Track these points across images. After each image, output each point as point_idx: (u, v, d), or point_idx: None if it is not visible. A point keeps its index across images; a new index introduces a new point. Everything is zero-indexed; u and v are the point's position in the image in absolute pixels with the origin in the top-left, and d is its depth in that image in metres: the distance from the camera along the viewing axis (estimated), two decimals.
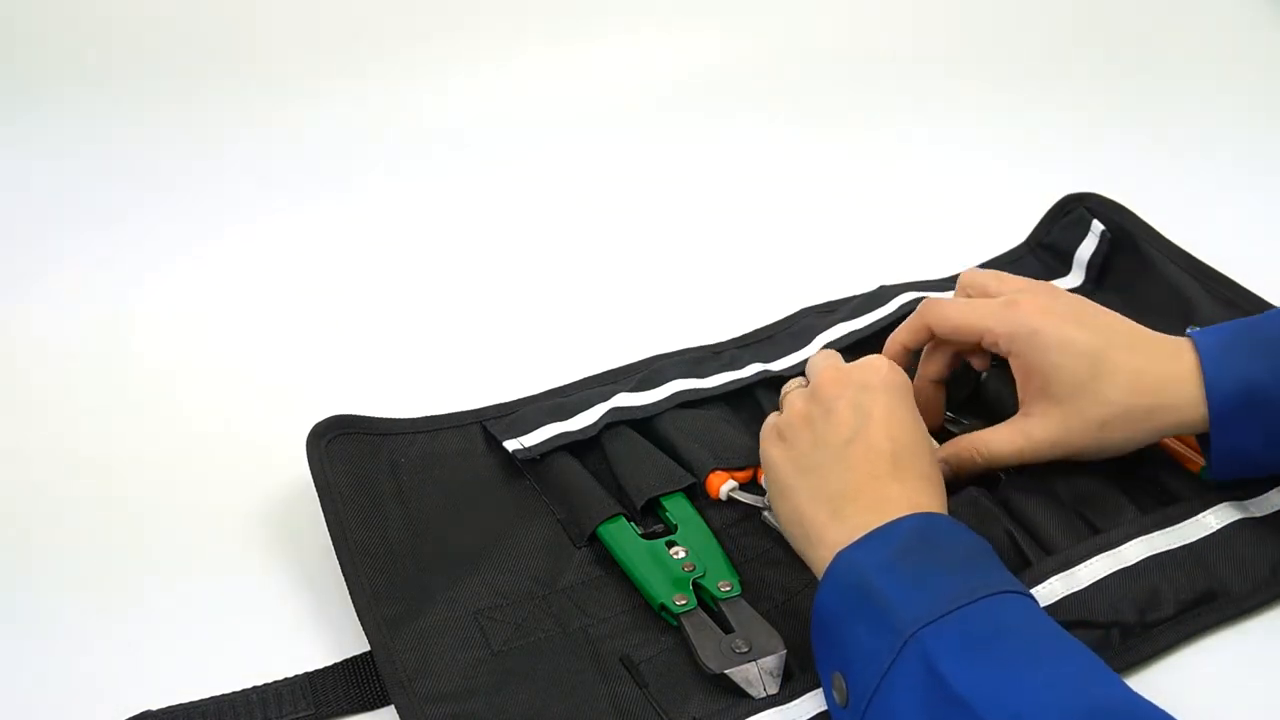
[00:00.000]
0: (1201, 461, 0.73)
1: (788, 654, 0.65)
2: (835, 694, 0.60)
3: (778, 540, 0.73)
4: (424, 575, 0.71)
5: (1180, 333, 0.83)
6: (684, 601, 0.68)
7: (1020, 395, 0.72)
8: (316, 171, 1.12)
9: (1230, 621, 0.68)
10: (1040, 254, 0.96)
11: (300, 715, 0.65)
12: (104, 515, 0.78)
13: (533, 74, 1.25)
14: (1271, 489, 0.72)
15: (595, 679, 0.66)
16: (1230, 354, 0.68)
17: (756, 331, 0.88)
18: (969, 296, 0.76)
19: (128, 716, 0.64)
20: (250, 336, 0.93)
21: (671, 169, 1.13)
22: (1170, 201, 0.98)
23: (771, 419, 0.72)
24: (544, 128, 1.19)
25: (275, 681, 0.66)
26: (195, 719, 0.64)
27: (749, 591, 0.70)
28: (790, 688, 0.64)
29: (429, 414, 0.81)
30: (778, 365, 0.84)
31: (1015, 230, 0.97)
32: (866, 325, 0.86)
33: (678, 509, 0.74)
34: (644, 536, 0.72)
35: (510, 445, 0.78)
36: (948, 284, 0.90)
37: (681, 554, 0.71)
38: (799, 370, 0.83)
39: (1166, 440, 0.75)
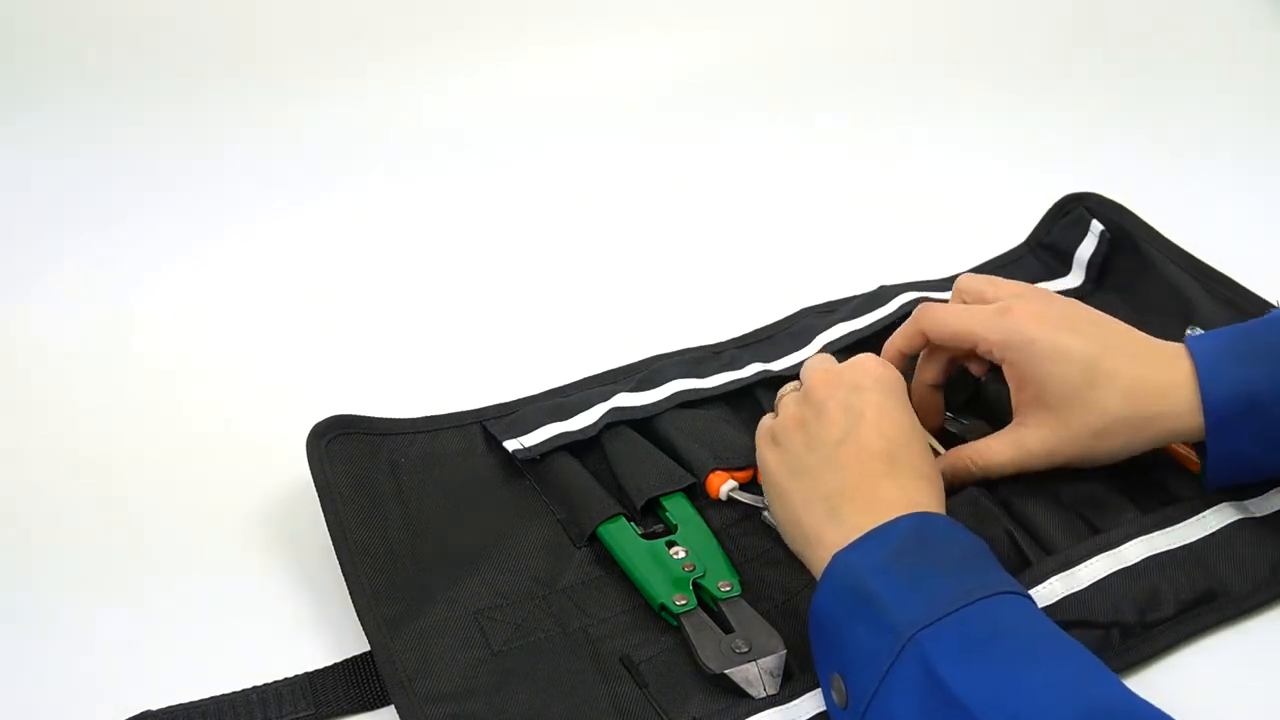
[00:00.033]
0: (1196, 459, 0.73)
1: (788, 654, 0.65)
2: (834, 695, 0.60)
3: (778, 540, 0.73)
4: (424, 575, 0.71)
5: (1180, 332, 0.83)
6: (684, 601, 0.68)
7: (1014, 403, 0.72)
8: (316, 171, 1.12)
9: (1230, 621, 0.68)
10: (1040, 254, 0.96)
11: (300, 715, 0.65)
12: (104, 515, 0.78)
13: (533, 74, 1.25)
14: (1272, 488, 0.72)
15: (595, 679, 0.66)
16: (1226, 361, 0.67)
17: (756, 331, 0.88)
18: (964, 302, 0.75)
19: (128, 717, 0.64)
20: (250, 336, 0.93)
21: (671, 169, 1.13)
22: (1170, 201, 0.98)
23: (766, 422, 0.72)
24: (544, 128, 1.19)
25: (275, 681, 0.66)
26: (195, 719, 0.64)
27: (749, 591, 0.70)
28: (790, 688, 0.64)
29: (429, 414, 0.81)
30: (778, 365, 0.84)
31: (1015, 230, 0.97)
32: (866, 325, 0.86)
33: (678, 509, 0.74)
34: (644, 536, 0.72)
35: (510, 445, 0.78)
36: (947, 284, 0.90)
37: (681, 554, 0.71)
38: (799, 371, 0.83)
39: None
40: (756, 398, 0.82)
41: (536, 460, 0.77)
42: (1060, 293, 0.88)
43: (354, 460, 0.76)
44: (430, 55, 1.25)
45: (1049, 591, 0.66)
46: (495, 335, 0.93)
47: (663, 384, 0.82)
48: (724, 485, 0.75)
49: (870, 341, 0.85)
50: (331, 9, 1.26)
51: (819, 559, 0.63)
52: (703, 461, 0.77)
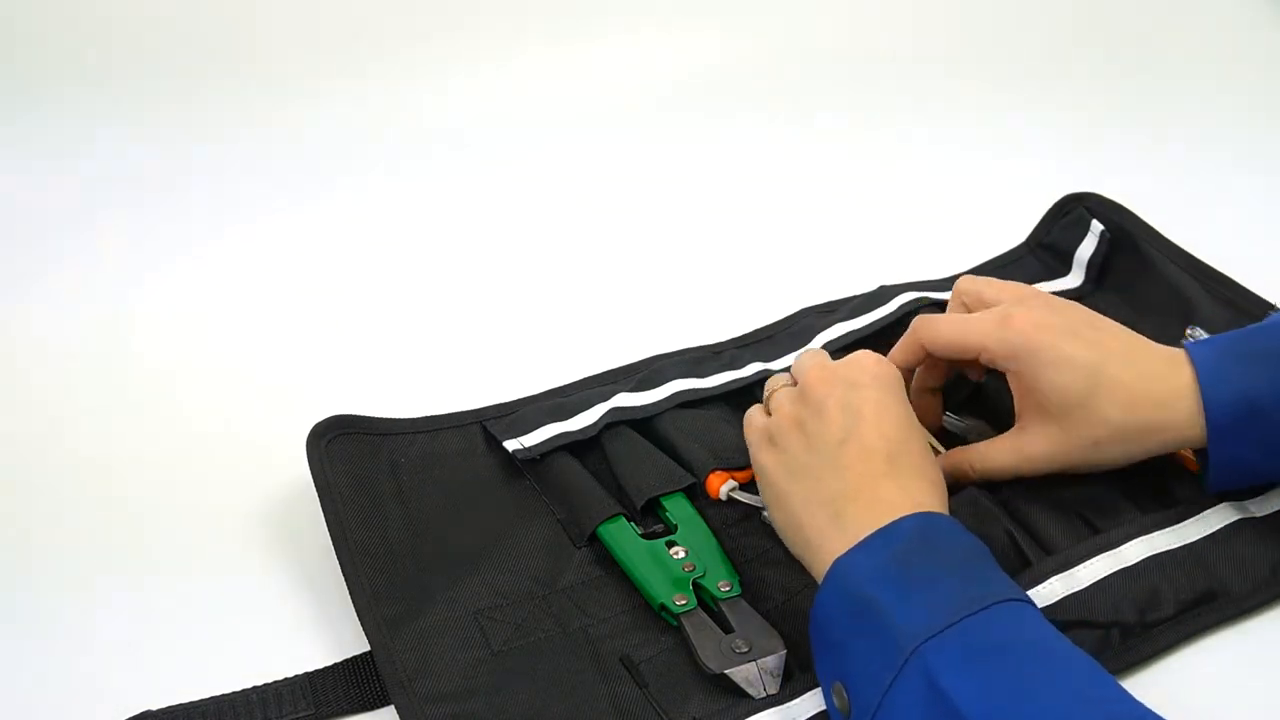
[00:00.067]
0: (1195, 460, 0.73)
1: (788, 654, 0.65)
2: (836, 701, 0.60)
3: (778, 540, 0.73)
4: (424, 575, 0.71)
5: (1180, 332, 0.83)
6: (684, 601, 0.68)
7: (1017, 409, 0.72)
8: (316, 171, 1.12)
9: (1230, 621, 0.68)
10: (1040, 254, 0.96)
11: (300, 715, 0.65)
12: (104, 515, 0.78)
13: (533, 74, 1.25)
14: (1271, 489, 0.72)
15: (595, 679, 0.66)
16: (1227, 368, 0.67)
17: (756, 331, 0.88)
18: (964, 304, 0.75)
19: (128, 717, 0.64)
20: (250, 336, 0.93)
21: (671, 169, 1.13)
22: (1170, 201, 0.97)
23: (758, 419, 0.71)
24: (544, 128, 1.19)
25: (275, 681, 0.66)
26: (195, 719, 0.64)
27: (749, 591, 0.70)
28: (790, 688, 0.64)
29: (429, 414, 0.81)
30: (778, 365, 0.84)
31: (1015, 230, 0.97)
32: (866, 325, 0.86)
33: (678, 509, 0.74)
34: (644, 536, 0.72)
35: (510, 445, 0.78)
36: (948, 284, 0.90)
37: (681, 554, 0.71)
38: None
39: None
40: (756, 398, 0.82)
41: (536, 460, 0.77)
42: (1060, 293, 0.88)
43: (354, 460, 0.76)
44: (430, 55, 1.25)
45: (1049, 591, 0.66)
46: (495, 335, 0.93)
47: (663, 384, 0.82)
48: (724, 485, 0.75)
49: (870, 341, 0.85)
50: (331, 9, 1.26)
51: (820, 562, 0.63)
52: (703, 461, 0.76)
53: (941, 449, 0.76)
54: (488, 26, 1.28)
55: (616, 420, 0.79)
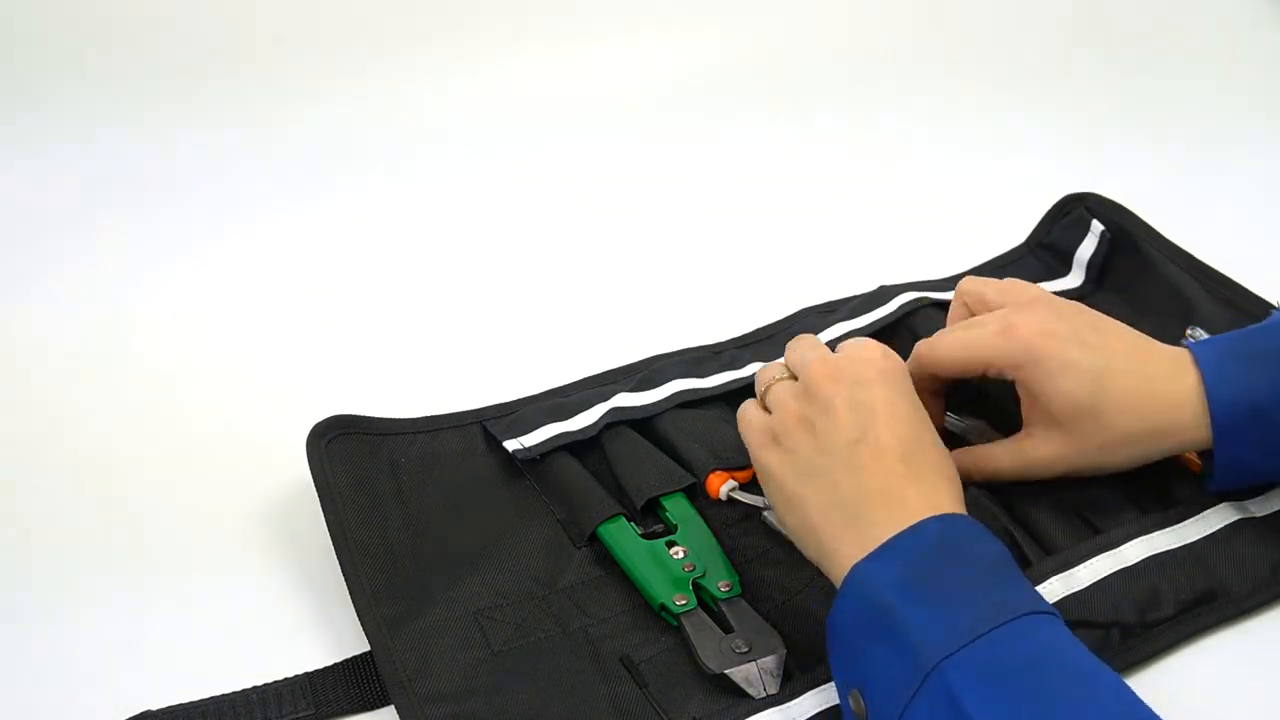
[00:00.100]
0: (1199, 461, 0.73)
1: (788, 654, 0.65)
2: (852, 705, 0.58)
3: (778, 540, 0.73)
4: (424, 575, 0.71)
5: (1180, 332, 0.83)
6: (684, 601, 0.68)
7: (1024, 414, 0.71)
8: (316, 171, 1.12)
9: (1230, 621, 0.68)
10: (1040, 254, 0.96)
11: (300, 715, 0.65)
12: (104, 515, 0.78)
13: (533, 74, 1.25)
14: (1272, 488, 0.72)
15: (595, 679, 0.66)
16: (1231, 369, 0.67)
17: (756, 331, 0.88)
18: (966, 305, 0.75)
19: (128, 717, 0.64)
20: (250, 336, 0.93)
21: (671, 169, 1.13)
22: (1170, 201, 0.97)
23: (758, 418, 0.69)
24: (544, 128, 1.19)
25: (275, 681, 0.66)
26: (195, 719, 0.64)
27: (749, 591, 0.70)
28: (790, 688, 0.64)
29: (429, 414, 0.81)
30: None
31: (1015, 230, 0.97)
32: (866, 325, 0.86)
33: (678, 509, 0.74)
34: (644, 536, 0.72)
35: (510, 445, 0.78)
36: (948, 284, 0.90)
37: (681, 554, 0.71)
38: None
39: None
40: (754, 395, 0.82)
41: (536, 460, 0.77)
42: (1060, 293, 0.88)
43: (354, 460, 0.76)
44: (430, 55, 1.25)
45: (1049, 591, 0.66)
46: (495, 335, 0.93)
47: (663, 384, 0.82)
48: (724, 485, 0.75)
49: None
50: (331, 9, 1.26)
51: (838, 567, 0.61)
52: (703, 461, 0.76)
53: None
54: (488, 26, 1.28)
55: (616, 420, 0.79)
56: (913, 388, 0.67)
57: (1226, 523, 0.70)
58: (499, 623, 0.69)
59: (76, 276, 1.00)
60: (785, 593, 0.70)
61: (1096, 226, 0.93)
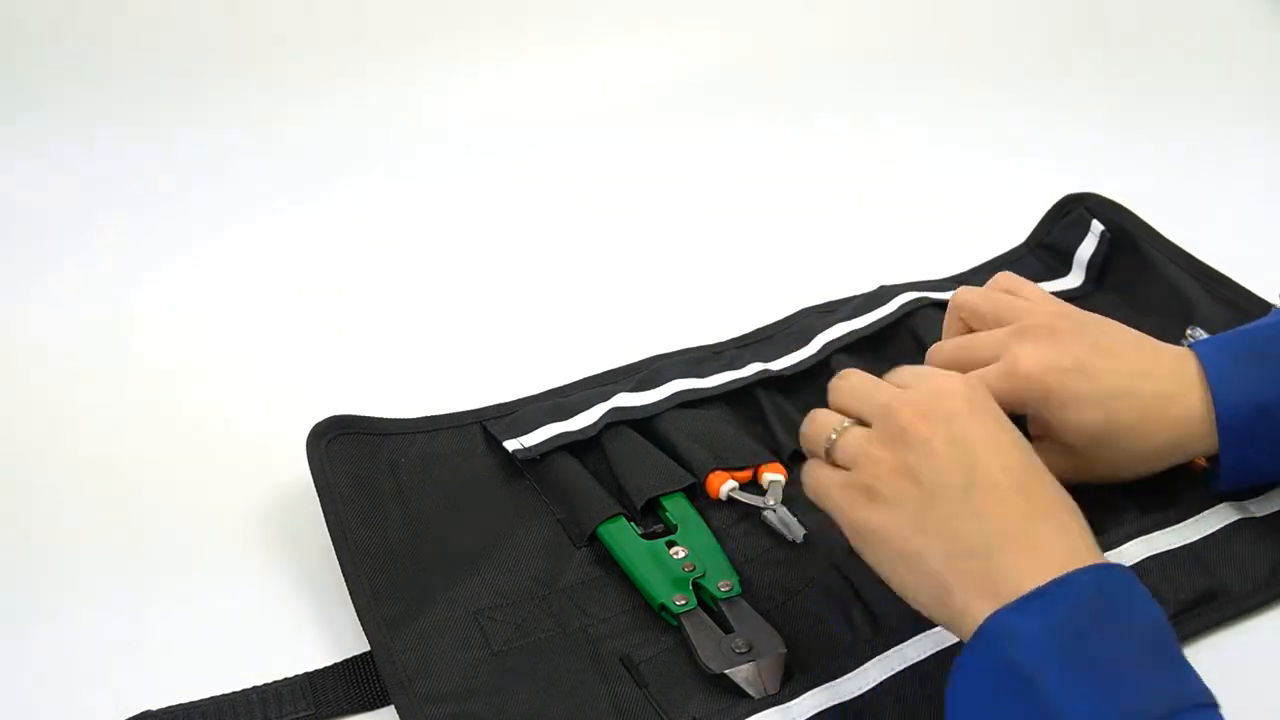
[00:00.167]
0: (1204, 463, 0.73)
1: (788, 654, 0.65)
2: None
3: (778, 540, 0.73)
4: (424, 575, 0.71)
5: (1180, 333, 0.83)
6: (684, 601, 0.68)
7: (1032, 432, 0.71)
8: (316, 171, 1.12)
9: (1230, 621, 0.68)
10: (1040, 254, 0.96)
11: (300, 715, 0.65)
12: (104, 515, 0.78)
13: (533, 74, 1.25)
14: (1272, 488, 0.72)
15: (595, 679, 0.66)
16: (1238, 374, 0.67)
17: (756, 331, 0.88)
18: (961, 320, 0.75)
19: (128, 717, 0.64)
20: (250, 336, 0.93)
21: (671, 169, 1.13)
22: (1170, 201, 0.98)
23: (835, 476, 0.62)
24: (544, 128, 1.19)
25: (275, 681, 0.66)
26: (195, 719, 0.64)
27: (749, 591, 0.69)
28: (790, 688, 0.64)
29: (429, 414, 0.81)
30: (778, 365, 0.84)
31: (1015, 230, 0.97)
32: (866, 325, 0.86)
33: (678, 509, 0.74)
34: (644, 536, 0.72)
35: (510, 445, 0.78)
36: (948, 284, 0.90)
37: (681, 554, 0.71)
38: (799, 369, 0.83)
39: None
40: (756, 398, 0.82)
41: (536, 460, 0.77)
42: (1060, 293, 0.88)
43: (354, 460, 0.76)
44: (430, 55, 1.25)
45: None
46: (495, 335, 0.93)
47: (663, 384, 0.82)
48: (724, 485, 0.75)
49: (871, 341, 0.85)
50: (331, 9, 1.26)
51: (969, 620, 0.55)
52: (703, 461, 0.76)
53: None
54: (488, 26, 1.28)
55: (616, 420, 0.79)
56: (1002, 411, 0.61)
57: (1226, 523, 0.70)
58: (499, 623, 0.69)
59: (76, 276, 1.00)
60: (785, 593, 0.70)
61: (1096, 226, 0.93)
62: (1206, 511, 0.71)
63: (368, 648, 0.67)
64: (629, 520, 0.73)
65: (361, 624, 0.68)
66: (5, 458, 0.83)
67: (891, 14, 1.33)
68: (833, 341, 0.85)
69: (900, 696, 0.62)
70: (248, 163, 1.13)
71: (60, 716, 0.66)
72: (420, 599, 0.69)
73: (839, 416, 0.63)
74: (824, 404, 0.82)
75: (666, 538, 0.72)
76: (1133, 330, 0.72)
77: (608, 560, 0.72)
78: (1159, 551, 0.69)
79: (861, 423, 0.62)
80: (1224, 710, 0.63)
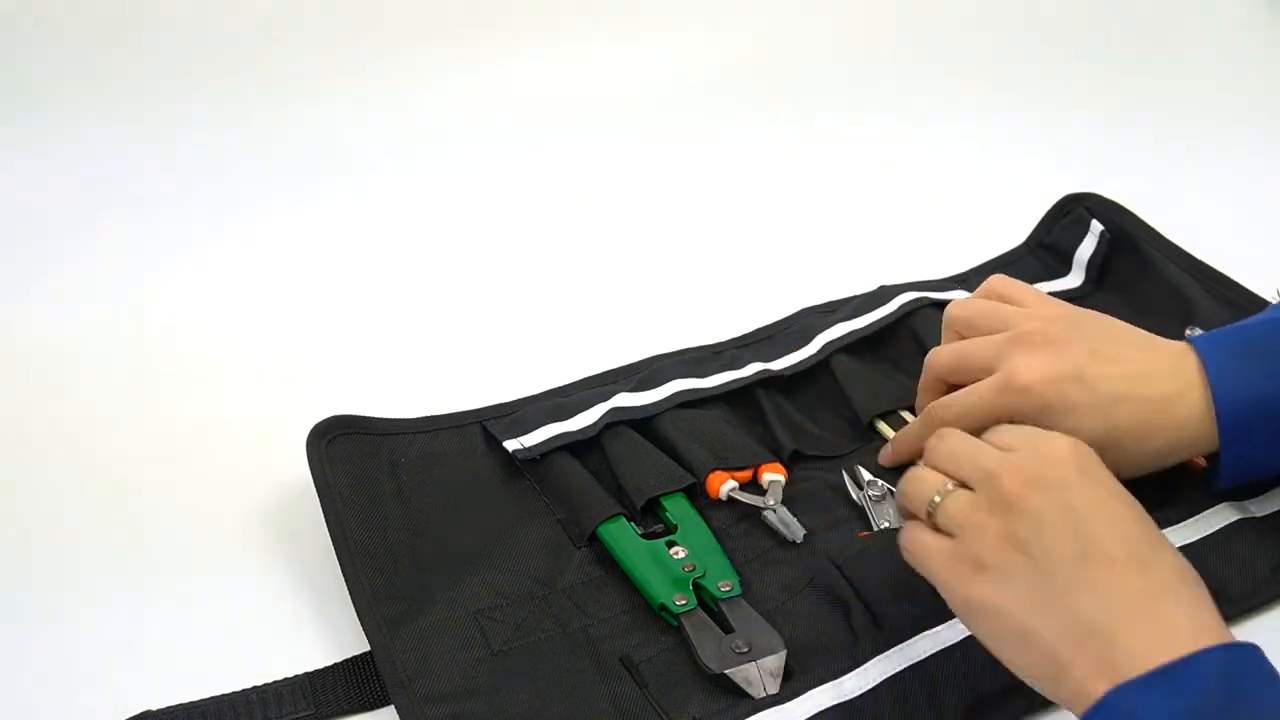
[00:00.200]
0: (1204, 463, 0.73)
1: (788, 654, 0.65)
2: None
3: (778, 540, 0.73)
4: (424, 575, 0.71)
5: (1180, 333, 0.83)
6: (684, 601, 0.68)
7: None
8: (316, 171, 1.12)
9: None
10: (1040, 254, 0.96)
11: (300, 715, 0.65)
12: (104, 515, 0.78)
13: (533, 74, 1.25)
14: (1272, 488, 0.72)
15: (595, 679, 0.66)
16: (1238, 371, 0.67)
17: (756, 331, 0.88)
18: (957, 333, 0.75)
19: (128, 717, 0.64)
20: (250, 336, 0.93)
21: (671, 169, 1.13)
22: (1170, 201, 0.98)
23: (936, 543, 0.59)
24: (544, 128, 1.19)
25: (275, 681, 0.66)
26: (195, 719, 0.64)
27: (749, 591, 0.69)
28: (790, 687, 0.64)
29: (429, 414, 0.81)
30: (778, 365, 0.84)
31: (1015, 230, 0.97)
32: (866, 325, 0.86)
33: (678, 509, 0.74)
34: (644, 536, 0.72)
35: (510, 445, 0.78)
36: (948, 284, 0.90)
37: (681, 554, 0.71)
38: (799, 369, 0.83)
39: None
40: (756, 398, 0.82)
41: (536, 460, 0.77)
42: (1060, 293, 0.88)
43: (354, 460, 0.76)
44: (430, 55, 1.25)
45: None
46: (495, 335, 0.93)
47: (663, 384, 0.82)
48: (724, 485, 0.75)
49: (871, 340, 0.85)
50: (331, 9, 1.26)
51: (1088, 697, 0.52)
52: (703, 461, 0.76)
53: None
54: (488, 26, 1.28)
55: (616, 420, 0.79)
56: (1112, 475, 0.59)
57: (1226, 523, 0.70)
58: (499, 623, 0.69)
59: (76, 276, 1.00)
60: (785, 593, 0.70)
61: (1096, 226, 0.93)
62: (1206, 511, 0.71)
63: (368, 648, 0.67)
64: (629, 520, 0.73)
65: (361, 624, 0.68)
66: (5, 458, 0.83)
67: (891, 14, 1.33)
68: (833, 341, 0.85)
69: (900, 696, 0.62)
70: (248, 163, 1.13)
71: (60, 716, 0.66)
72: (420, 599, 0.69)
73: (941, 478, 0.60)
74: (824, 404, 0.83)
75: (666, 538, 0.72)
76: (1131, 327, 0.72)
77: (608, 560, 0.72)
78: None
79: (964, 485, 0.60)
80: None
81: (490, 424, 0.80)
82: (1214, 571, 0.68)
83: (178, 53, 1.22)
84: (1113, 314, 0.73)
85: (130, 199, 1.09)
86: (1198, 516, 0.70)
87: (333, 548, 0.71)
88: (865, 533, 0.73)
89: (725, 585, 0.69)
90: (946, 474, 0.60)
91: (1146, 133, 1.16)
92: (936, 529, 0.60)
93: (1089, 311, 0.74)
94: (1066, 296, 0.87)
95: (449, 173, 1.13)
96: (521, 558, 0.72)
